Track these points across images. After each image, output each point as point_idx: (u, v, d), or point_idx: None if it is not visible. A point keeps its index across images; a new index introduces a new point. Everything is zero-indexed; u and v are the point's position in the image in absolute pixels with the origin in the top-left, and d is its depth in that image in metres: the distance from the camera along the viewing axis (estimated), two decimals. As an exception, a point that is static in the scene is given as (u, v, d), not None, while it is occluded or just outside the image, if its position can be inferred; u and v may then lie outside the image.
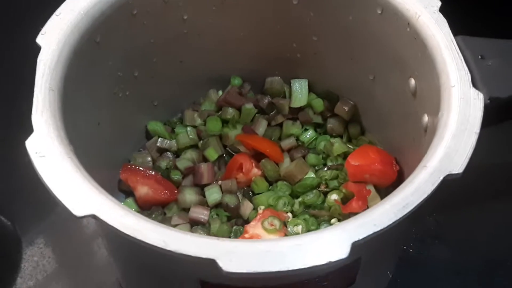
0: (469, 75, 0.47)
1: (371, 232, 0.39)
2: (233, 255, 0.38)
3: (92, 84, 0.53)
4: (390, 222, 0.40)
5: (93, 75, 0.53)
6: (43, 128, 0.44)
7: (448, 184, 0.43)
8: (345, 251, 0.38)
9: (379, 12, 0.54)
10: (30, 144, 0.43)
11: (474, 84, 0.47)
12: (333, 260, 0.38)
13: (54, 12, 0.50)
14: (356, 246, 0.39)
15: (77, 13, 0.50)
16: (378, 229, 0.39)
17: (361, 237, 0.39)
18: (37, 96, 0.45)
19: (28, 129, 0.44)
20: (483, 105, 0.46)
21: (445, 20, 0.50)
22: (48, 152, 0.42)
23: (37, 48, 0.48)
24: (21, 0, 0.78)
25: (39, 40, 0.48)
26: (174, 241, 0.38)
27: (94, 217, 0.40)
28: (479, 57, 0.51)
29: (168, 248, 0.38)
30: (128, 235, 0.39)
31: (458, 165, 0.42)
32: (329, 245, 0.39)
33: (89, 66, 0.52)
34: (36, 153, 0.42)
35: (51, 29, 0.49)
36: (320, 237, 0.39)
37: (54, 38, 0.49)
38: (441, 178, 0.42)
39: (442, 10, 0.51)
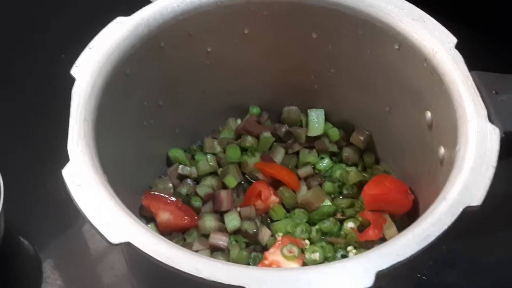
0: (485, 110, 0.49)
1: (394, 262, 0.41)
2: (263, 283, 0.39)
3: (120, 114, 0.55)
4: (413, 252, 0.41)
5: (122, 105, 0.55)
6: (79, 158, 0.46)
7: (464, 214, 0.44)
8: (370, 280, 0.40)
9: (397, 47, 0.56)
10: (67, 173, 0.45)
11: (489, 118, 0.49)
12: (358, 289, 0.40)
13: (88, 45, 0.52)
14: (380, 276, 0.40)
15: (109, 46, 0.53)
16: (402, 259, 0.41)
17: (385, 267, 0.40)
18: (72, 126, 0.47)
19: (60, 160, 0.46)
20: (499, 139, 0.48)
21: (461, 57, 0.52)
22: (84, 181, 0.44)
23: (72, 80, 0.50)
24: (57, 33, 0.81)
25: (74, 72, 0.51)
26: (206, 268, 0.40)
27: (128, 244, 0.41)
28: (494, 92, 0.52)
29: (201, 276, 0.40)
30: (162, 262, 0.40)
31: (476, 198, 0.44)
32: (354, 274, 0.40)
33: (119, 96, 0.54)
34: (72, 181, 0.44)
35: (84, 62, 0.51)
36: (345, 266, 0.41)
37: (87, 70, 0.51)
38: (461, 210, 0.43)
39: (458, 46, 0.53)
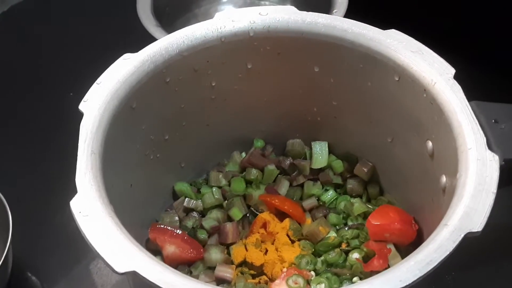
0: (485, 138, 0.50)
1: (397, 288, 0.41)
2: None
3: (127, 147, 0.57)
4: (415, 278, 0.42)
5: (129, 138, 0.57)
6: (86, 189, 0.47)
7: (467, 244, 0.45)
8: (373, 306, 0.40)
9: (397, 79, 0.57)
10: (74, 204, 0.46)
11: (489, 146, 0.50)
12: (362, 314, 0.40)
13: (96, 81, 0.54)
14: (383, 302, 0.41)
15: (116, 81, 0.54)
16: (404, 285, 0.41)
17: (387, 293, 0.41)
18: (80, 159, 0.48)
19: (69, 192, 0.47)
20: (499, 166, 0.48)
21: (459, 87, 0.53)
22: (91, 212, 0.45)
23: (79, 115, 0.52)
24: (66, 72, 0.84)
25: (82, 107, 0.52)
26: (211, 296, 0.40)
27: (134, 273, 0.42)
28: (493, 121, 0.53)
29: (206, 303, 0.40)
30: (167, 291, 0.41)
31: (477, 224, 0.45)
32: (357, 300, 0.41)
33: (126, 130, 0.55)
34: (80, 212, 0.45)
35: (92, 97, 0.53)
36: (349, 293, 0.41)
37: (95, 105, 0.52)
38: (462, 236, 0.44)
39: (456, 77, 0.54)
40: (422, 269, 0.42)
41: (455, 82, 0.54)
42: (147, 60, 0.56)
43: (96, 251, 0.43)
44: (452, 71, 0.54)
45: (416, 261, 0.43)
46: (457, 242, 0.44)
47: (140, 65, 0.56)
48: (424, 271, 0.42)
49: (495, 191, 0.47)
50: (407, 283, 0.41)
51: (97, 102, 0.52)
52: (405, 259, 0.44)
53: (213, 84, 0.63)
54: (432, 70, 0.55)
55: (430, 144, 0.57)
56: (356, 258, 0.62)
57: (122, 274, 0.42)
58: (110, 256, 0.43)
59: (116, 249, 0.43)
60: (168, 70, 0.58)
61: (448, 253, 0.43)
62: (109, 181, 0.51)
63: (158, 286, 0.41)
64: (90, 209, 0.45)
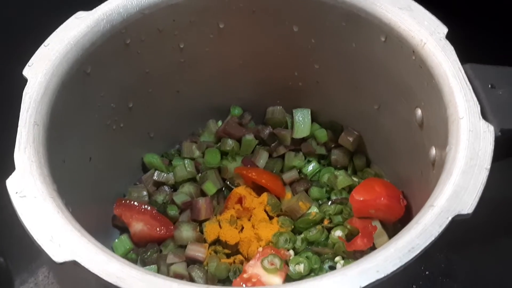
0: (479, 106, 0.45)
1: (373, 280, 0.36)
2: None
3: (82, 117, 0.51)
4: (394, 269, 0.37)
5: (84, 107, 0.51)
6: (26, 166, 0.42)
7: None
8: (345, 301, 0.35)
9: (383, 39, 0.52)
10: (11, 183, 0.41)
11: (484, 115, 0.45)
12: (332, 310, 0.35)
13: (43, 43, 0.48)
14: (358, 295, 0.36)
15: (66, 43, 0.49)
16: (381, 276, 0.37)
17: (363, 286, 0.36)
18: (20, 131, 0.44)
19: (10, 167, 0.42)
20: (493, 138, 0.43)
21: (452, 48, 0.48)
22: (29, 192, 0.40)
23: (24, 81, 0.46)
24: (9, 30, 0.77)
25: (26, 72, 0.47)
26: (160, 289, 0.36)
27: (74, 263, 0.37)
28: (489, 86, 0.48)
29: (153, 298, 0.35)
30: (111, 284, 0.36)
31: (467, 205, 0.40)
32: (328, 294, 0.36)
33: (79, 98, 0.50)
34: (16, 193, 0.40)
35: (38, 61, 0.47)
36: (319, 285, 0.36)
37: (41, 70, 0.47)
38: (449, 219, 0.39)
39: (449, 37, 0.49)
40: (402, 257, 0.37)
41: (448, 42, 0.48)
42: (103, 19, 0.51)
43: (32, 237, 0.38)
44: (444, 30, 0.49)
45: (397, 248, 0.38)
46: (443, 227, 0.39)
47: (95, 25, 0.50)
48: (405, 260, 0.37)
49: (488, 167, 0.41)
50: (385, 274, 0.37)
51: (43, 67, 0.47)
52: (385, 244, 0.39)
53: (181, 46, 0.58)
54: (422, 29, 0.49)
55: (419, 112, 0.52)
56: (339, 236, 0.58)
57: (61, 264, 0.37)
58: (48, 243, 0.38)
59: (55, 235, 0.38)
60: (128, 31, 0.53)
61: (433, 238, 0.38)
62: (59, 156, 0.46)
63: (100, 278, 0.36)
64: (29, 189, 0.40)
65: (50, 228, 0.38)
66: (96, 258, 0.37)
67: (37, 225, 0.39)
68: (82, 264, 0.37)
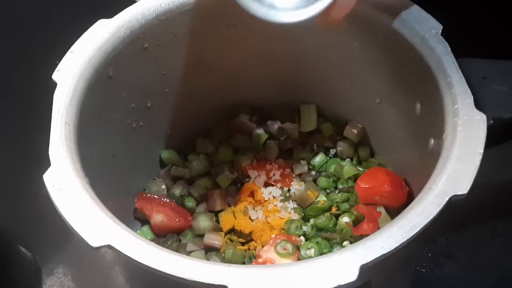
0: (472, 96, 0.48)
1: (379, 255, 0.40)
2: (244, 280, 0.39)
3: (106, 117, 0.55)
4: (398, 244, 0.40)
5: (107, 108, 0.55)
6: (60, 162, 0.45)
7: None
8: (354, 274, 0.39)
9: (382, 38, 0.55)
10: (48, 177, 0.45)
11: (478, 105, 0.48)
12: (342, 283, 0.39)
13: (69, 49, 0.52)
14: (365, 269, 0.40)
15: (91, 49, 0.52)
16: (386, 251, 0.40)
17: (369, 260, 0.40)
18: (53, 131, 0.47)
19: (45, 163, 0.46)
20: (486, 126, 0.47)
21: (446, 44, 0.51)
22: (65, 185, 0.44)
23: (54, 85, 0.50)
24: (39, 38, 0.81)
25: (55, 76, 0.50)
26: (186, 268, 0.40)
27: (109, 247, 0.41)
28: (482, 78, 0.52)
29: (181, 276, 0.39)
30: (142, 264, 0.40)
31: (463, 186, 0.43)
32: (338, 268, 0.40)
33: (103, 99, 0.54)
34: (53, 186, 0.44)
35: (66, 66, 0.51)
36: (328, 261, 0.40)
37: (69, 74, 0.51)
38: (447, 199, 0.42)
39: (443, 33, 0.52)
40: (404, 234, 0.41)
41: (442, 38, 0.52)
42: (123, 25, 0.54)
43: (70, 225, 0.42)
44: (439, 27, 0.52)
45: (399, 226, 0.42)
46: (441, 206, 0.42)
47: (116, 31, 0.54)
48: (407, 237, 0.41)
49: (481, 151, 0.45)
50: (389, 249, 0.40)
51: (70, 72, 0.51)
52: (388, 224, 0.42)
53: (195, 48, 0.61)
54: (418, 27, 0.52)
55: (418, 104, 0.55)
56: (346, 222, 0.61)
57: (97, 248, 0.41)
58: (84, 230, 0.42)
59: (90, 223, 0.42)
60: (146, 36, 0.56)
61: (432, 217, 0.42)
62: (87, 153, 0.50)
63: (133, 259, 0.40)
64: (64, 182, 0.44)
65: (86, 216, 0.42)
66: (128, 242, 0.41)
67: (73, 215, 0.42)
68: (116, 247, 0.41)
